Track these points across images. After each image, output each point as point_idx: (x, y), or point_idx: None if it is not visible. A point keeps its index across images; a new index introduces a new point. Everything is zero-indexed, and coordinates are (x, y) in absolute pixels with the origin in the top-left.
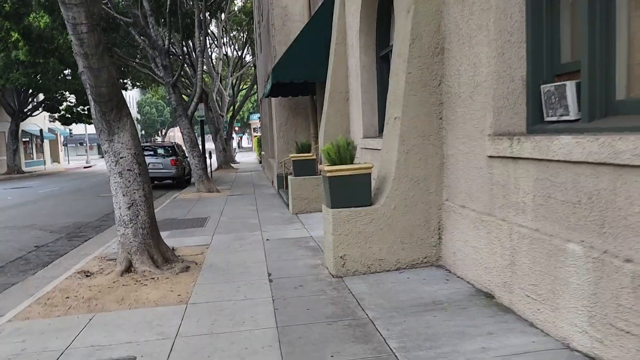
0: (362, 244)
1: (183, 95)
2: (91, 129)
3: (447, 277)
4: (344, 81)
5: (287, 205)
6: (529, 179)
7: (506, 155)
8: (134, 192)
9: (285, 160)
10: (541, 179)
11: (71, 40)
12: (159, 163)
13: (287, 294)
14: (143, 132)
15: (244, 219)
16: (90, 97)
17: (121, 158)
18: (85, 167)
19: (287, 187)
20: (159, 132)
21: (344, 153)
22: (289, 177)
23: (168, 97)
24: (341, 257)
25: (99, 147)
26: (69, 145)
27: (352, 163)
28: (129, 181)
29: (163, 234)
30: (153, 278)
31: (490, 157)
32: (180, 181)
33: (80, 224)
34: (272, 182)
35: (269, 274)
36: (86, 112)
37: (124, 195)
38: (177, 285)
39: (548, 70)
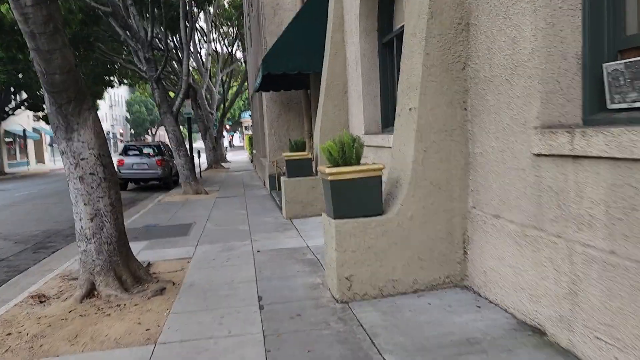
0: (372, 262)
1: (170, 93)
2: None
3: (477, 302)
4: (342, 72)
5: (281, 209)
6: (599, 184)
7: (563, 154)
8: (98, 201)
9: (277, 160)
10: (620, 185)
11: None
12: (144, 163)
13: (282, 328)
14: (133, 131)
15: (232, 225)
16: (43, 88)
17: (82, 160)
18: None
19: (280, 189)
20: (149, 131)
21: (349, 151)
22: (282, 178)
23: (152, 93)
24: (347, 278)
25: None
26: (54, 145)
27: (358, 163)
28: (92, 187)
29: (140, 245)
30: (119, 305)
31: (538, 155)
32: (167, 182)
33: (51, 232)
34: (264, 182)
35: (260, 298)
36: None
37: (85, 204)
38: (147, 314)
39: (610, 44)
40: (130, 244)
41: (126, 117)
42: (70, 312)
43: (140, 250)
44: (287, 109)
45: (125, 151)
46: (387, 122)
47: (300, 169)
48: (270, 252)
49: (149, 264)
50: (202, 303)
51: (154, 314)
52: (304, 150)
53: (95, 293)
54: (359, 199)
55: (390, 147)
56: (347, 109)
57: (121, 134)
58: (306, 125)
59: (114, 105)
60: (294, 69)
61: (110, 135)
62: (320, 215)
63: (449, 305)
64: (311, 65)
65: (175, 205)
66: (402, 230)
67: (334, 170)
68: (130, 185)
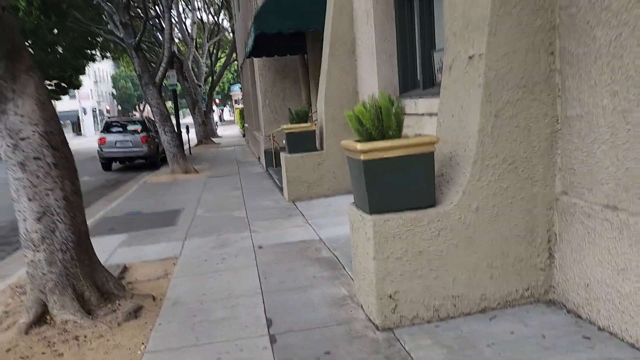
0: (425, 272)
1: (155, 65)
2: (61, 105)
3: (579, 328)
4: (348, 28)
5: (281, 189)
6: None
7: None
8: (47, 194)
9: (274, 133)
10: None
11: None
12: (127, 141)
13: None
14: (119, 107)
15: (227, 210)
16: None
17: (22, 140)
18: None
19: (277, 165)
20: (137, 107)
21: (388, 119)
22: (282, 154)
23: (131, 62)
24: (391, 296)
25: (73, 125)
26: None
27: (400, 135)
28: (38, 177)
29: (117, 240)
30: (77, 338)
31: None
32: (154, 161)
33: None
34: (259, 158)
35: (269, 322)
36: (54, 87)
37: (30, 199)
38: (115, 352)
39: None
40: (104, 240)
41: (112, 93)
42: (8, 350)
43: (115, 248)
44: (282, 76)
45: (107, 128)
46: (407, 85)
47: (303, 143)
48: (274, 248)
49: (124, 269)
50: (190, 332)
51: (124, 353)
52: (306, 121)
53: (48, 318)
54: (404, 185)
55: (423, 115)
56: (355, 72)
57: (108, 111)
58: (304, 93)
59: (99, 81)
60: (291, 28)
61: (97, 113)
62: (328, 196)
63: (542, 334)
64: (310, 22)
65: (162, 186)
66: (465, 227)
67: (369, 146)
68: (115, 165)
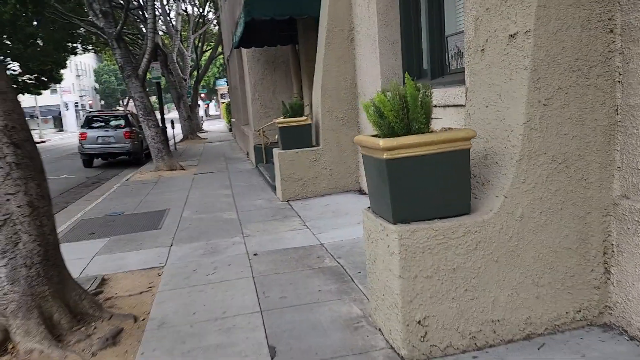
0: (460, 293)
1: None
2: (42, 100)
3: None
4: (346, 13)
5: (273, 187)
6: None
7: None
8: (7, 200)
9: (264, 128)
10: None
11: None
12: (110, 136)
13: None
14: (103, 102)
15: (216, 211)
16: None
17: None
18: (37, 143)
19: (267, 162)
20: (121, 102)
21: (415, 110)
22: (275, 150)
23: (113, 54)
24: (419, 322)
25: (54, 120)
26: None
27: (428, 129)
28: None
29: (95, 246)
30: None
31: None
32: (138, 157)
33: None
34: (248, 154)
35: (273, 352)
36: (34, 82)
37: None
38: None
39: None
40: (82, 245)
41: (95, 88)
42: None
43: (94, 255)
44: (272, 68)
45: (88, 123)
46: (412, 74)
47: (298, 138)
48: (271, 256)
49: (102, 281)
50: None
51: None
52: (301, 114)
53: (9, 347)
54: (435, 189)
55: (435, 107)
56: (353, 62)
57: (90, 105)
58: (295, 86)
59: (81, 75)
60: (284, 13)
61: (80, 107)
62: (325, 195)
63: None
64: (304, 7)
65: (146, 185)
66: (507, 238)
67: (394, 142)
68: (98, 162)
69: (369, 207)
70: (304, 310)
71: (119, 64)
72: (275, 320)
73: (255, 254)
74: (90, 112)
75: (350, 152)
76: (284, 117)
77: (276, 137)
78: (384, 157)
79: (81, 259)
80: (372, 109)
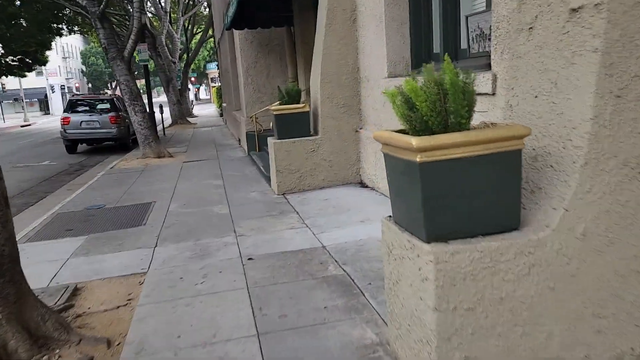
0: (508, 328)
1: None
2: (27, 82)
3: None
4: None
5: (267, 178)
6: None
7: None
8: None
9: (257, 114)
10: None
11: None
12: (94, 121)
13: None
14: (90, 85)
15: (206, 204)
16: None
17: None
18: (22, 126)
19: (260, 150)
20: (109, 85)
21: (456, 101)
22: (270, 140)
23: (96, 34)
24: None
25: (40, 103)
26: (4, 101)
27: (469, 125)
28: None
29: (71, 246)
30: None
31: None
32: (124, 143)
33: None
34: (239, 141)
35: None
36: (17, 63)
37: None
38: None
39: None
40: (56, 245)
41: (82, 70)
42: None
43: (68, 257)
44: (266, 51)
45: (71, 107)
46: (421, 59)
47: (295, 126)
48: (268, 260)
49: (74, 292)
50: None
51: None
52: (298, 101)
53: None
54: (479, 199)
55: None
56: (356, 45)
57: (77, 88)
58: (290, 70)
59: (68, 57)
60: None
61: (66, 90)
62: (323, 188)
63: None
64: None
65: (131, 173)
66: (566, 260)
67: (430, 141)
68: (82, 147)
69: (390, 217)
70: (308, 333)
71: (103, 45)
72: (275, 346)
73: (249, 258)
74: (73, 95)
75: (352, 142)
76: (280, 104)
77: (270, 124)
78: (417, 159)
79: (54, 262)
80: (399, 99)
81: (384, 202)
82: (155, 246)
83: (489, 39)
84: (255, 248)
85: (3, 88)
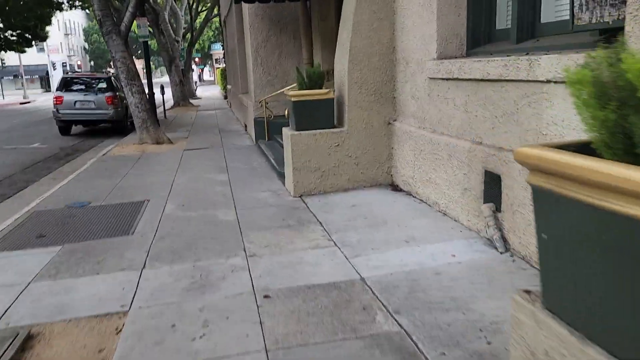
0: None
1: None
2: (29, 59)
3: None
4: None
5: (280, 174)
6: None
7: None
8: None
9: (267, 99)
10: None
11: None
12: (90, 101)
13: None
14: (92, 63)
15: (208, 206)
16: None
17: None
18: (21, 103)
19: (270, 138)
20: (112, 64)
21: None
22: (287, 131)
23: (90, 5)
24: None
25: (41, 80)
26: (4, 78)
27: None
28: None
29: (40, 261)
30: None
31: None
32: (121, 125)
33: None
34: (245, 126)
35: None
36: (16, 38)
37: None
38: None
39: None
40: (19, 259)
41: (84, 47)
42: None
43: (30, 280)
44: (278, 29)
45: (64, 85)
46: (479, 36)
47: (317, 116)
48: (291, 301)
49: (25, 341)
50: None
51: None
52: (321, 85)
53: None
54: None
55: (548, 82)
56: (392, 19)
57: (79, 66)
58: (305, 50)
59: (70, 34)
60: None
61: (68, 67)
62: (348, 190)
63: None
64: None
65: (125, 161)
66: None
67: None
68: (77, 129)
69: (528, 292)
70: None
71: (98, 18)
72: None
73: (266, 296)
74: (67, 73)
75: (382, 135)
76: (299, 88)
77: (285, 112)
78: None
79: (9, 289)
80: (588, 92)
81: (427, 213)
82: (144, 267)
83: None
84: (272, 277)
85: (3, 64)
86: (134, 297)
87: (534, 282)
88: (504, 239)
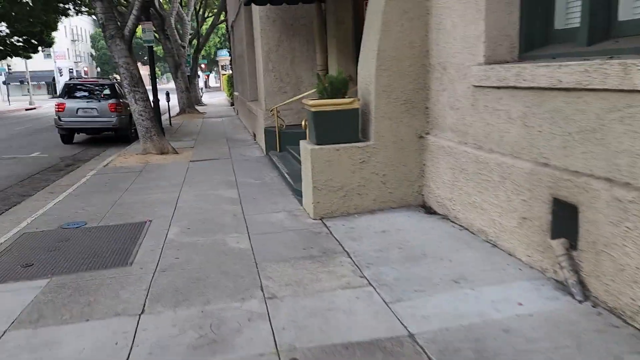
0: None
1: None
2: (33, 64)
3: None
4: None
5: (295, 190)
6: None
7: None
8: None
9: (279, 107)
10: None
11: None
12: (92, 109)
13: None
14: (99, 69)
15: (217, 231)
16: None
17: None
18: (27, 110)
19: (281, 150)
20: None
21: None
22: (306, 145)
23: (93, 7)
24: None
25: (48, 86)
26: (11, 83)
27: None
28: None
29: (21, 301)
30: None
31: None
32: (125, 133)
33: None
34: (254, 135)
35: None
36: (22, 44)
37: None
38: None
39: None
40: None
41: (91, 54)
42: None
43: (6, 329)
44: (291, 33)
45: (67, 92)
46: (534, 37)
47: (341, 128)
48: None
49: None
50: None
51: None
52: (345, 94)
53: None
54: None
55: None
56: (426, 19)
57: (86, 72)
58: (319, 56)
59: (77, 40)
60: None
61: (75, 74)
62: (374, 212)
63: None
64: None
65: (127, 174)
66: None
67: None
68: (81, 137)
69: None
70: None
71: (100, 21)
72: None
73: (293, 359)
74: (70, 79)
75: (413, 150)
76: (319, 97)
77: (302, 122)
78: None
79: None
80: None
81: (472, 243)
82: (142, 312)
83: None
84: (298, 330)
85: (9, 70)
86: (128, 356)
87: (636, 347)
88: (581, 284)
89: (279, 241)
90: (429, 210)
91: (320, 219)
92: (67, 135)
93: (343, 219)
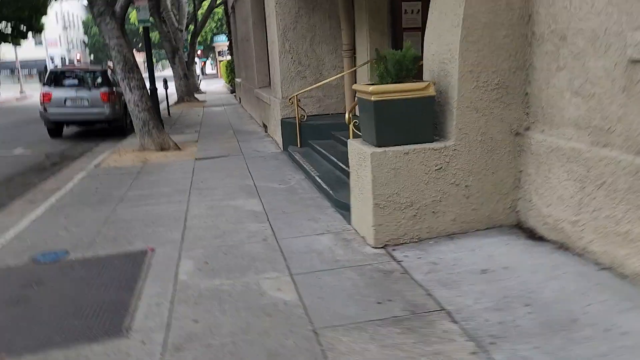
0: None
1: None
2: (24, 53)
3: None
4: None
5: (335, 199)
6: None
7: None
8: None
9: (298, 95)
10: None
11: None
12: (82, 98)
13: None
14: (92, 56)
15: (246, 270)
16: None
17: None
18: (17, 99)
19: (303, 145)
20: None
21: None
22: (362, 147)
23: None
24: None
25: (40, 74)
26: (1, 72)
27: None
28: None
29: None
30: None
31: None
32: (119, 125)
33: None
34: (265, 127)
35: None
36: (10, 31)
37: None
38: None
39: None
40: None
41: (84, 41)
42: None
43: None
44: (310, 7)
45: (53, 80)
46: None
47: (410, 123)
48: None
49: None
50: None
51: None
52: (412, 76)
53: None
54: None
55: None
56: None
57: (78, 60)
58: (345, 34)
59: (68, 27)
60: None
61: (67, 62)
62: (454, 236)
63: None
64: None
65: (122, 177)
66: None
67: None
68: (70, 129)
69: None
70: None
71: None
72: None
73: None
74: (55, 66)
75: (506, 152)
76: (381, 82)
77: (346, 115)
78: None
79: None
80: None
81: (630, 293)
82: None
83: None
84: None
85: None
86: None
87: None
88: None
89: (338, 287)
90: (532, 235)
91: (383, 247)
92: (54, 128)
93: (415, 248)
